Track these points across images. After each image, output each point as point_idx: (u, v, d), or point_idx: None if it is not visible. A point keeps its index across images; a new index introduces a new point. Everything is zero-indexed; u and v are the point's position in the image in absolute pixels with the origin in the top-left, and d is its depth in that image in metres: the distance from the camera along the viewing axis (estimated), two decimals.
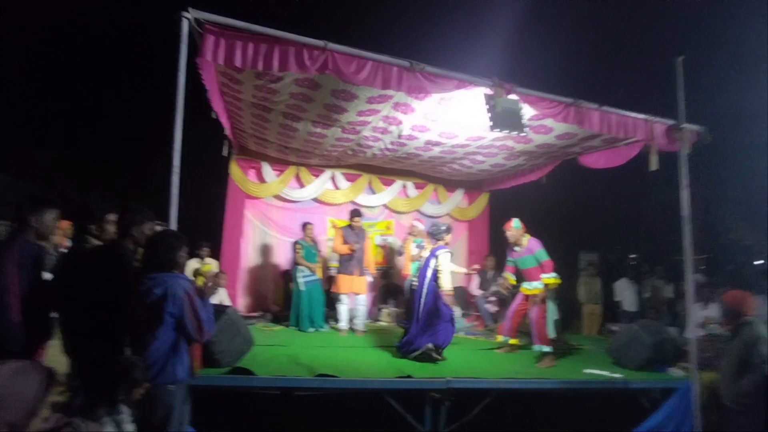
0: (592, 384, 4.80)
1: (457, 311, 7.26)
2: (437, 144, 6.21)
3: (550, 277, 5.37)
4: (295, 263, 6.66)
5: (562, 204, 10.23)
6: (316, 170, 7.93)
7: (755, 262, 14.61)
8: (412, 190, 8.54)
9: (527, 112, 4.43)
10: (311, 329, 6.51)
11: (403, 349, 5.16)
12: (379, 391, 4.17)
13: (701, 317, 5.93)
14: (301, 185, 7.94)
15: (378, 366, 4.81)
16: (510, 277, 5.73)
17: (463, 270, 6.44)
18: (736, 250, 14.94)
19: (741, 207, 13.99)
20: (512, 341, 5.72)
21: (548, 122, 5.00)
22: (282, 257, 7.83)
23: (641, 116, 4.66)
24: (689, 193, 4.57)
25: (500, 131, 4.27)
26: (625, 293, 8.36)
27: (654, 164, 4.58)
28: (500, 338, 5.82)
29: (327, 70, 3.67)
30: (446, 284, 5.12)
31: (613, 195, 10.55)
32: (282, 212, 7.96)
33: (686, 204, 4.51)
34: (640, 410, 4.93)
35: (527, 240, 5.47)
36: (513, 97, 4.21)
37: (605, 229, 11.35)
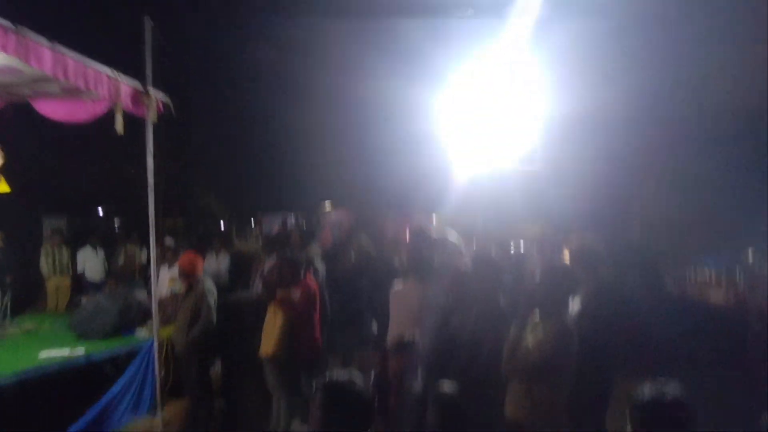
0: (49, 368, 4.36)
1: None
2: None
3: None
4: None
5: (16, 160, 8.59)
6: None
7: (220, 225, 17.71)
8: None
9: None
10: None
11: None
12: None
13: (167, 278, 6.52)
14: None
15: None
16: None
17: None
18: (205, 216, 17.57)
19: (208, 176, 16.45)
20: None
21: None
22: None
23: (105, 70, 4.16)
24: (156, 160, 4.73)
25: None
26: (89, 262, 8.09)
27: (120, 126, 4.38)
28: None
29: None
30: None
31: (85, 154, 9.79)
32: None
33: (151, 171, 4.68)
34: (106, 379, 4.95)
35: None
36: None
37: (76, 192, 10.50)
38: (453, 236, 4.32)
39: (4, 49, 3.49)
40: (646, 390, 1.93)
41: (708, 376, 5.48)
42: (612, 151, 7.42)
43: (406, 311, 3.64)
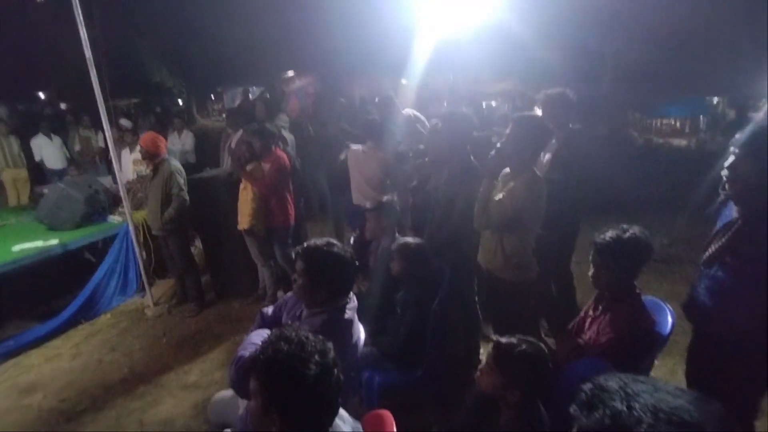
0: (25, 261, 4.34)
1: None
2: None
3: None
4: None
5: None
6: None
7: (179, 101, 16.70)
8: None
9: None
10: None
11: None
12: None
13: (130, 161, 6.27)
14: None
15: None
16: None
17: None
18: (161, 93, 16.43)
19: (158, 50, 14.99)
20: None
21: None
22: None
23: None
24: (90, 32, 4.22)
25: None
26: (46, 150, 7.68)
27: None
28: None
29: None
30: None
31: (11, 33, 8.71)
32: None
33: (87, 44, 4.17)
34: (88, 265, 5.02)
35: None
36: None
37: (15, 75, 9.52)
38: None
39: None
40: (608, 232, 2.02)
41: (667, 215, 5.85)
42: (581, 5, 6.98)
43: (369, 173, 3.61)
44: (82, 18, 4.09)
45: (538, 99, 3.33)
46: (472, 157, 2.92)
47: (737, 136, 1.82)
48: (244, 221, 4.31)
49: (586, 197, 3.34)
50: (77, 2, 4.04)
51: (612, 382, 0.76)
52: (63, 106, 13.25)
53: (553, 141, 3.14)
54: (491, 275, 2.71)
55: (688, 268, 4.42)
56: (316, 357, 1.30)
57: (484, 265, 2.75)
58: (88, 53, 4.14)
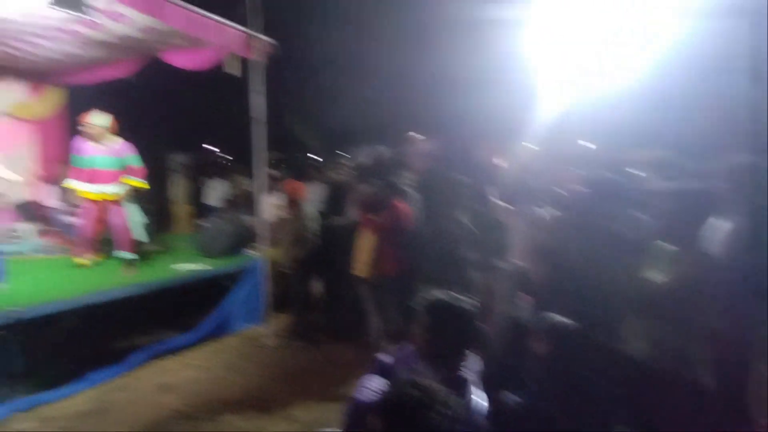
0: (179, 280, 4.76)
1: (30, 229, 5.88)
2: None
3: (137, 181, 4.97)
4: None
5: (150, 104, 9.25)
6: None
7: (309, 154, 18.08)
8: None
9: None
10: None
11: None
12: None
13: (273, 205, 6.73)
14: None
15: None
16: (79, 189, 4.87)
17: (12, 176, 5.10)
18: (301, 148, 17.96)
19: (302, 113, 16.61)
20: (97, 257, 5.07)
21: (125, 11, 4.11)
22: None
23: (225, 21, 4.51)
24: (264, 98, 4.83)
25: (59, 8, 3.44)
26: (215, 192, 8.72)
27: (236, 69, 4.61)
28: (81, 261, 4.95)
29: None
30: None
31: (202, 97, 10.30)
32: None
33: (262, 109, 4.77)
34: (224, 289, 5.34)
35: (116, 141, 4.85)
36: None
37: (195, 130, 11.17)
38: None
39: (134, 4, 3.71)
40: None
41: None
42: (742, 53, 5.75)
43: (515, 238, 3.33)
44: (261, 87, 4.73)
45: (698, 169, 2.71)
46: (617, 227, 2.49)
47: None
48: (360, 268, 4.28)
49: None
50: (258, 76, 4.76)
51: None
52: (227, 156, 15.10)
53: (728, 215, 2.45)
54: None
55: None
56: (444, 409, 1.30)
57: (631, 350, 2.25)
58: (259, 115, 4.67)
